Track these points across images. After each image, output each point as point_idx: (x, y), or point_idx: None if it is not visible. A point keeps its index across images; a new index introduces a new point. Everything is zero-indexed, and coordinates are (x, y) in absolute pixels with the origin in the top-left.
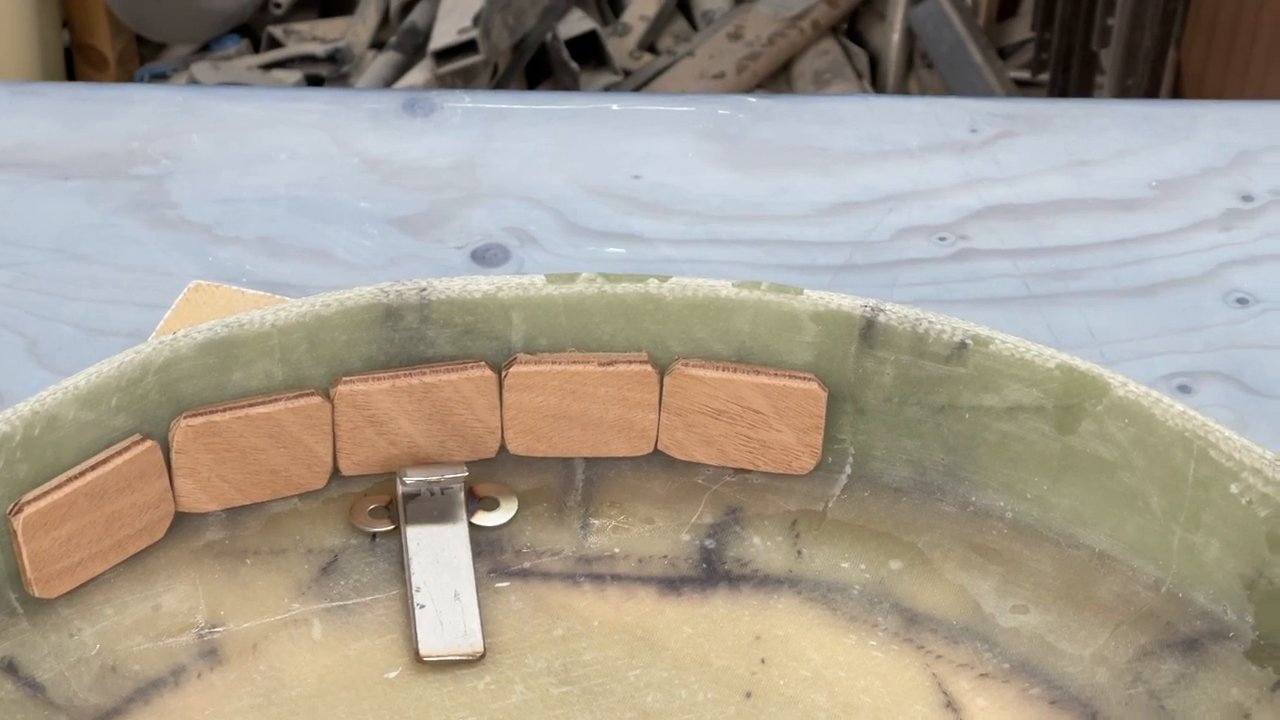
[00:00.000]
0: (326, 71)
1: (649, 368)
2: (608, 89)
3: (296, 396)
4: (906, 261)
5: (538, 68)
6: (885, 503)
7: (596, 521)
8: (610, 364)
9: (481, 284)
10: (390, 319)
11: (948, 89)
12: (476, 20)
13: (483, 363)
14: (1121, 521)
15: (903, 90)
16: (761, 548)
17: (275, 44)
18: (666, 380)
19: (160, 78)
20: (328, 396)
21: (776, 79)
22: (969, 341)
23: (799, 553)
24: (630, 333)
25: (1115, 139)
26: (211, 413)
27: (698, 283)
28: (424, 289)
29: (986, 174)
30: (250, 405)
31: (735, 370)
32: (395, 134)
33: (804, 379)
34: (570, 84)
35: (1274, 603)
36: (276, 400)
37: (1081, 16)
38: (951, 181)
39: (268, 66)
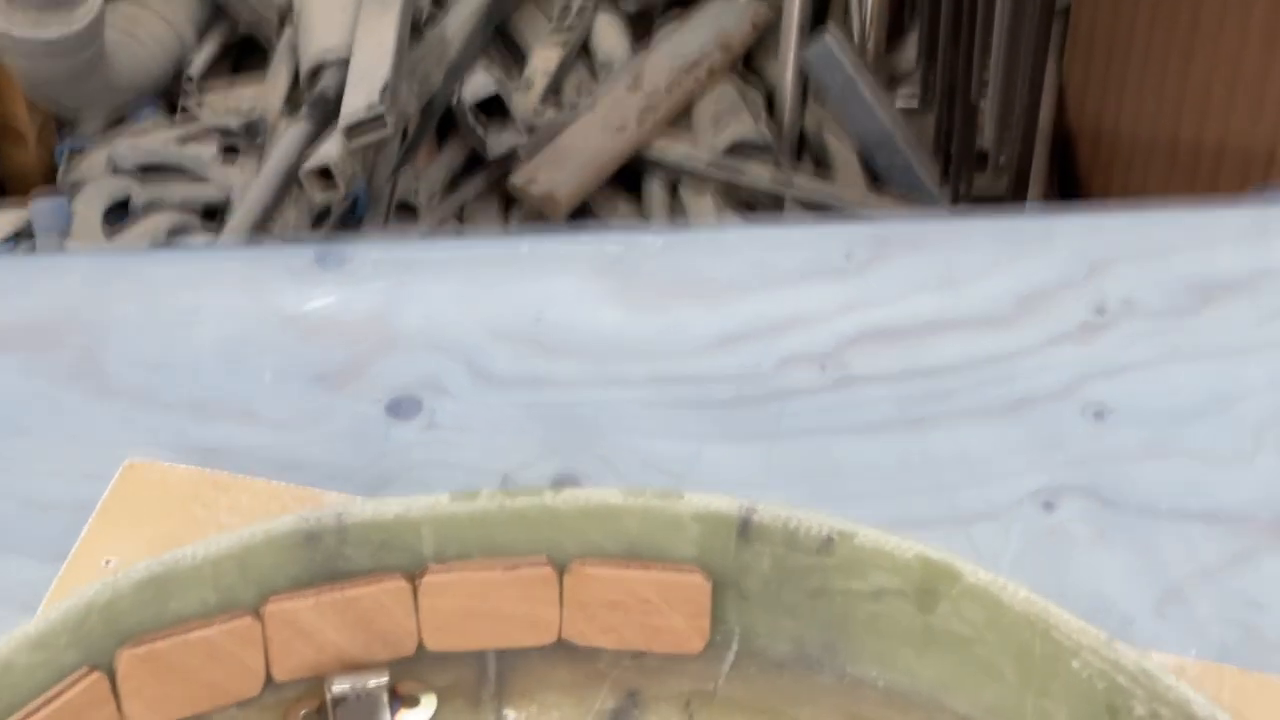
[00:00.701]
0: (241, 143)
1: (549, 570)
2: (514, 149)
3: (230, 619)
4: (791, 392)
5: (445, 125)
6: (770, 677)
7: (511, 712)
8: (514, 568)
9: (393, 506)
10: (311, 542)
11: (840, 123)
12: (384, 93)
13: (398, 574)
14: (981, 689)
15: (799, 123)
16: None
17: (190, 114)
18: (566, 578)
19: (79, 153)
20: (258, 615)
21: (677, 124)
22: (835, 536)
23: None
24: (530, 539)
25: (980, 255)
26: (153, 641)
27: (588, 493)
28: (340, 514)
29: (862, 298)
30: (187, 631)
31: (627, 566)
32: (310, 288)
33: (689, 571)
34: (478, 145)
35: None
36: (211, 624)
37: (960, 65)
38: (830, 308)
39: (184, 139)
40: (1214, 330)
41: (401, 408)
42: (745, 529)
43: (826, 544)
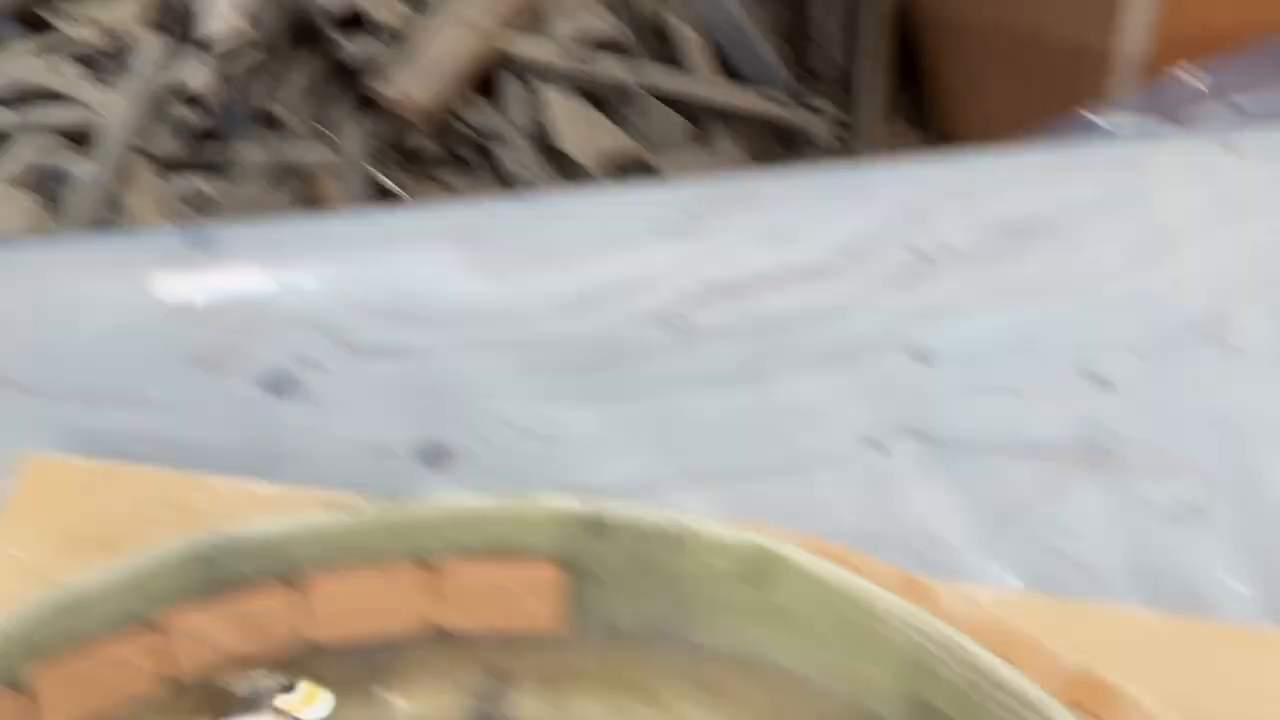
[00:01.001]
0: (108, 61)
1: (420, 570)
2: (375, 56)
3: (135, 634)
4: (641, 351)
5: (308, 36)
6: (626, 652)
7: (397, 698)
8: (388, 570)
9: (274, 524)
10: (202, 561)
11: (690, 12)
12: (245, 10)
13: (288, 583)
14: (813, 654)
15: (650, 13)
16: (529, 706)
17: (50, 28)
18: (435, 576)
19: None
20: (162, 630)
21: (532, 20)
22: (677, 529)
23: (557, 706)
24: (406, 545)
25: (811, 209)
26: (65, 660)
27: (455, 500)
28: (228, 534)
29: (701, 255)
30: (96, 648)
31: (494, 563)
32: (185, 271)
33: (546, 564)
34: (341, 55)
35: (924, 710)
36: (117, 640)
37: None
38: (672, 267)
39: (46, 52)
40: (1024, 269)
41: (281, 385)
42: (596, 526)
43: (670, 536)
